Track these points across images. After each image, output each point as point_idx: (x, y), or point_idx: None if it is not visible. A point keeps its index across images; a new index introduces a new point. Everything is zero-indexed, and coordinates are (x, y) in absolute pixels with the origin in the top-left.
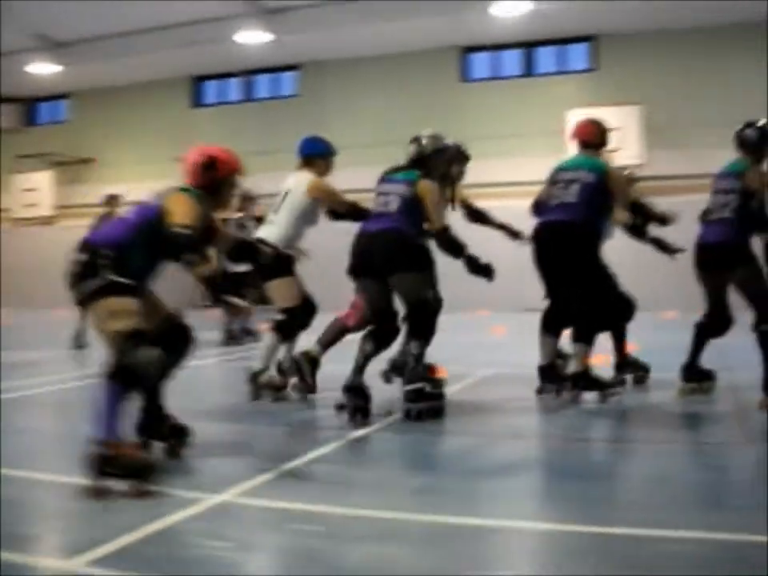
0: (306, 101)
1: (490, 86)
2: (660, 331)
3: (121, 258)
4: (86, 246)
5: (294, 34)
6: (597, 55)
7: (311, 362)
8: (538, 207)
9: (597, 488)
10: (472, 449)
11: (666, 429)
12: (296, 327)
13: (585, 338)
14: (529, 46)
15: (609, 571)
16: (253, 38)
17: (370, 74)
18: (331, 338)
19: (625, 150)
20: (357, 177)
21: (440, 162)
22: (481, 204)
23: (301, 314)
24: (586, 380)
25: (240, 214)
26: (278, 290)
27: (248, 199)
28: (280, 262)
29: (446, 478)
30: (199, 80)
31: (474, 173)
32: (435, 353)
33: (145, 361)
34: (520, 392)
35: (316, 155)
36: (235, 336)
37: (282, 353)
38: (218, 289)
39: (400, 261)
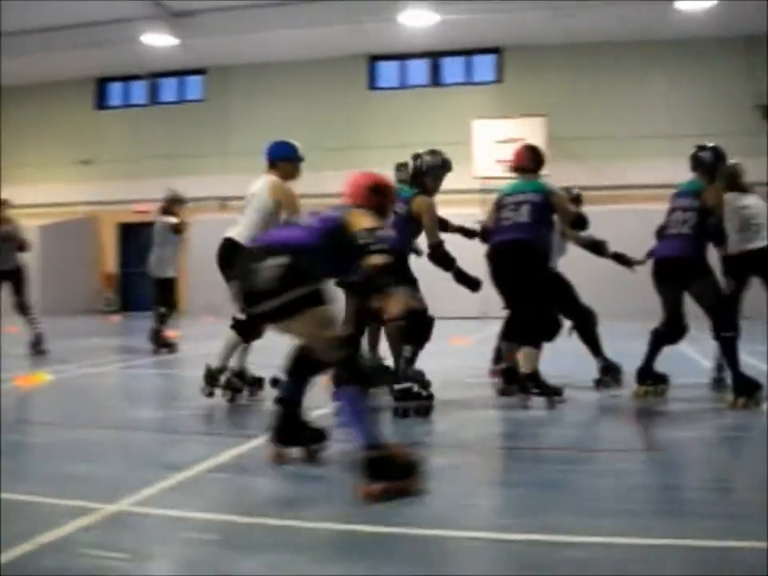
0: (212, 106)
1: (398, 95)
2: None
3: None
4: (277, 249)
5: (200, 37)
6: (502, 67)
7: None
8: (487, 232)
9: (496, 495)
10: None
11: (573, 436)
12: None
13: (534, 343)
14: (436, 55)
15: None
16: (159, 40)
17: (277, 80)
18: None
19: None
20: None
21: (439, 176)
22: None
23: None
24: (535, 383)
25: (175, 219)
26: None
27: (178, 202)
28: None
29: (347, 486)
30: (104, 82)
31: None
32: None
33: (367, 362)
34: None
35: (281, 158)
36: (166, 343)
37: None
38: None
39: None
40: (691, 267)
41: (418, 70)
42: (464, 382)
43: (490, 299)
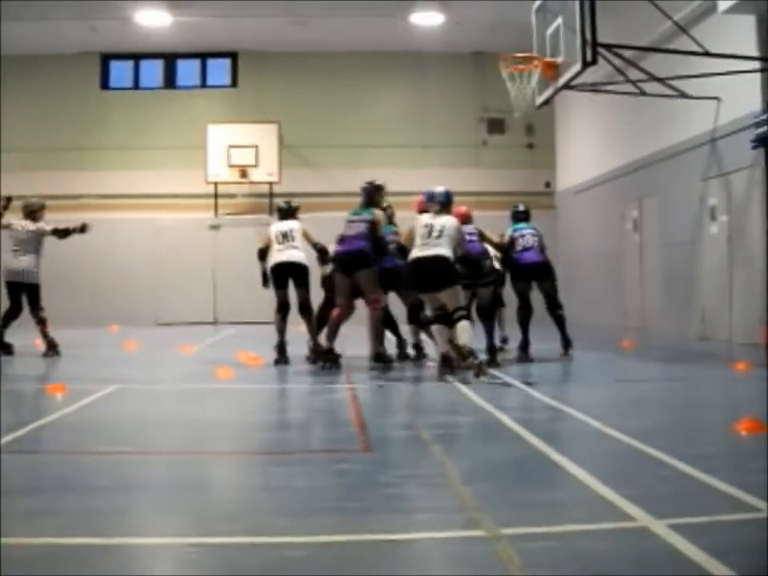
0: None
1: (131, 96)
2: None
3: None
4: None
5: None
6: (237, 72)
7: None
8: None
9: (215, 500)
10: (91, 466)
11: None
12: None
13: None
14: (170, 57)
15: None
16: None
17: (6, 75)
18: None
19: (262, 167)
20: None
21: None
22: (114, 215)
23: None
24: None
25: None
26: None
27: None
28: None
29: (63, 499)
30: None
31: (110, 184)
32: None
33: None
34: (141, 407)
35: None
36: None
37: None
38: None
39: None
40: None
41: (153, 71)
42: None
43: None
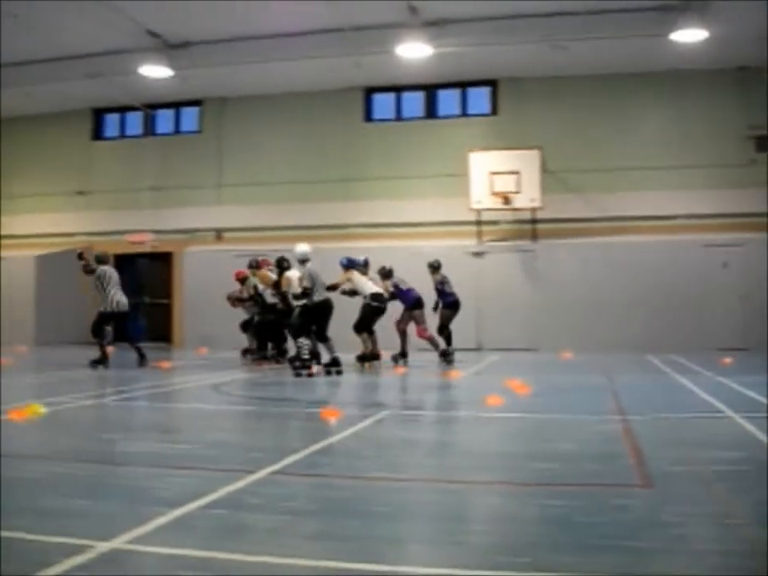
0: (207, 137)
1: (393, 127)
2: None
3: None
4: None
5: (196, 69)
6: (497, 99)
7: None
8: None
9: (494, 532)
10: (369, 492)
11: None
12: None
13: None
14: (431, 88)
15: None
16: (155, 72)
17: (273, 112)
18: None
19: (525, 194)
20: (262, 214)
21: None
22: (379, 244)
23: None
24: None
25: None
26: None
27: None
28: None
29: (345, 522)
30: (100, 113)
31: (375, 213)
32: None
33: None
34: (412, 434)
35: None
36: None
37: None
38: None
39: None
40: None
41: (414, 102)
42: (459, 416)
43: None
